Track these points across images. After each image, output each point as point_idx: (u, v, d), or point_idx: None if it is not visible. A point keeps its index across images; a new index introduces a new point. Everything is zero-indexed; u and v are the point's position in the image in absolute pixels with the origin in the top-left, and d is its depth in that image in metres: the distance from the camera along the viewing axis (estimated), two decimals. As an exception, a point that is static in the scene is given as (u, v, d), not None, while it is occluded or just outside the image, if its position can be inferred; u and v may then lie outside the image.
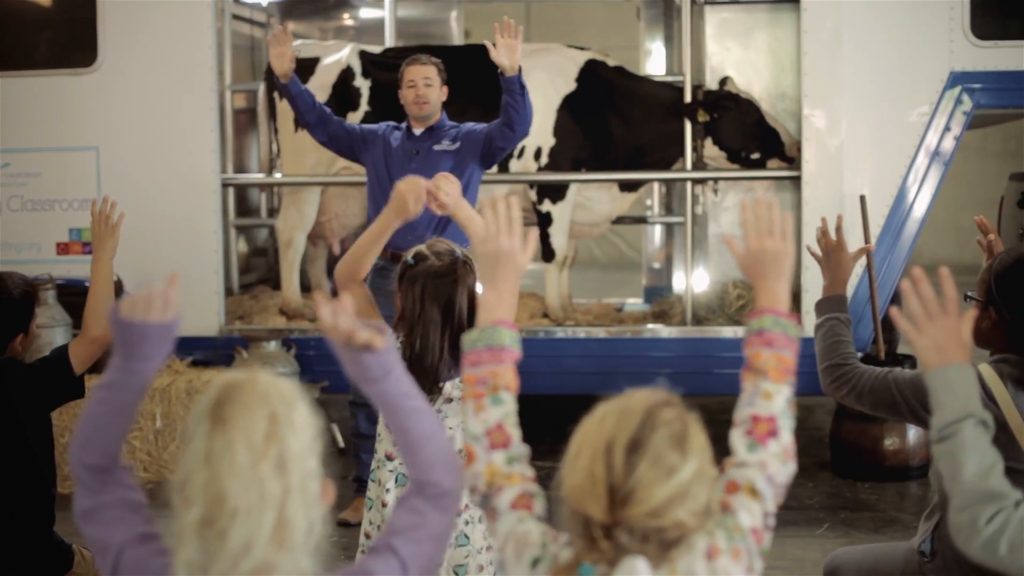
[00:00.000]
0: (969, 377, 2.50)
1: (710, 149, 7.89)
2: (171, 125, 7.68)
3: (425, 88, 6.27)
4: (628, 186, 8.17)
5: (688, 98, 7.77)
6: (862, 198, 7.06)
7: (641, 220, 10.26)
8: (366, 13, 10.56)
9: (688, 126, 7.78)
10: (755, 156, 7.81)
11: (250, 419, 1.97)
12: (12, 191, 7.78)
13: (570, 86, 7.97)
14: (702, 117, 7.66)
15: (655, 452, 2.04)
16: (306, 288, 8.82)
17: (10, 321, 4.00)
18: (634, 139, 7.97)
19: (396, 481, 3.64)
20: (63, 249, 7.72)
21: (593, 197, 8.09)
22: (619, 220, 8.89)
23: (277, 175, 8.48)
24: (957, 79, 7.19)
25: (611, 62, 8.12)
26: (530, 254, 2.44)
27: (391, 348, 2.18)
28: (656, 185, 9.94)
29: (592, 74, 8.02)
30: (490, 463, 2.25)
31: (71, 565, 4.00)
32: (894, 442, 7.03)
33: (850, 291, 7.11)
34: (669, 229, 9.95)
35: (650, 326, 7.97)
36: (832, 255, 3.75)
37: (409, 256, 3.57)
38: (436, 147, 6.30)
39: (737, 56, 8.16)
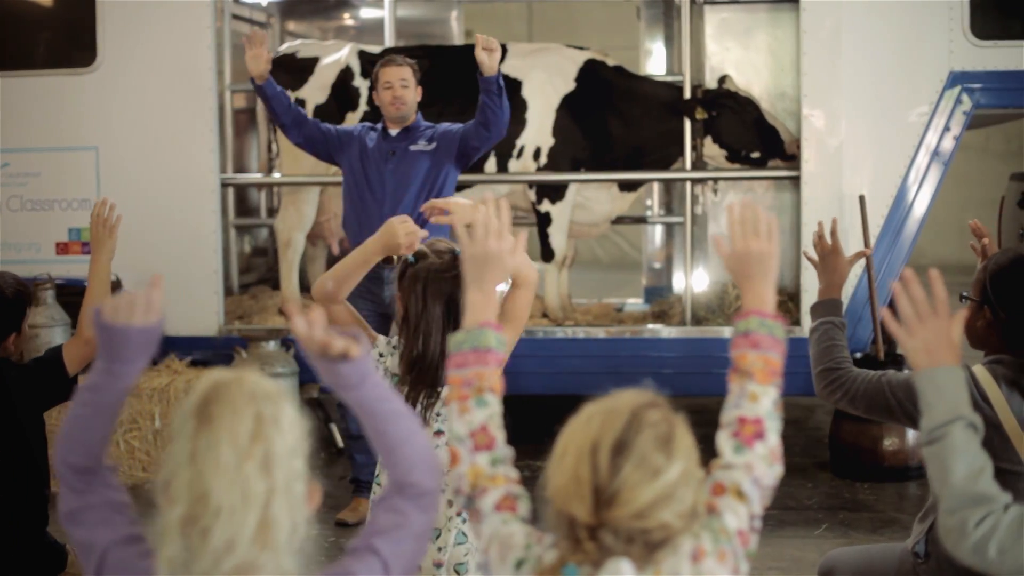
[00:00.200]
0: (959, 379, 2.49)
1: (710, 148, 7.88)
2: (170, 125, 7.68)
3: (401, 89, 6.29)
4: (627, 186, 8.17)
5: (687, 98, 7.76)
6: (861, 198, 7.05)
7: (641, 220, 10.26)
8: (366, 13, 10.56)
9: (688, 125, 7.77)
10: (755, 155, 7.81)
11: (236, 418, 1.97)
12: (11, 191, 7.79)
13: (569, 86, 7.97)
14: (700, 115, 7.65)
15: (640, 453, 2.04)
16: (305, 288, 8.82)
17: (2, 320, 4.00)
18: (634, 139, 7.96)
19: None
20: (62, 249, 7.72)
21: (592, 197, 8.09)
22: (619, 220, 8.89)
23: (276, 175, 8.48)
24: (957, 79, 7.18)
25: (610, 62, 8.11)
26: (518, 257, 2.43)
27: (367, 355, 2.17)
28: (656, 185, 9.93)
29: (591, 74, 8.01)
30: (474, 465, 2.25)
31: (65, 565, 4.00)
32: (893, 442, 7.02)
33: (850, 292, 7.14)
34: (669, 229, 9.94)
35: (650, 326, 7.96)
36: (827, 259, 3.75)
37: (410, 255, 3.56)
38: (412, 147, 6.32)
39: (737, 56, 8.15)
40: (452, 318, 3.51)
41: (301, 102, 8.19)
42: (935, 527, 3.42)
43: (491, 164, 7.93)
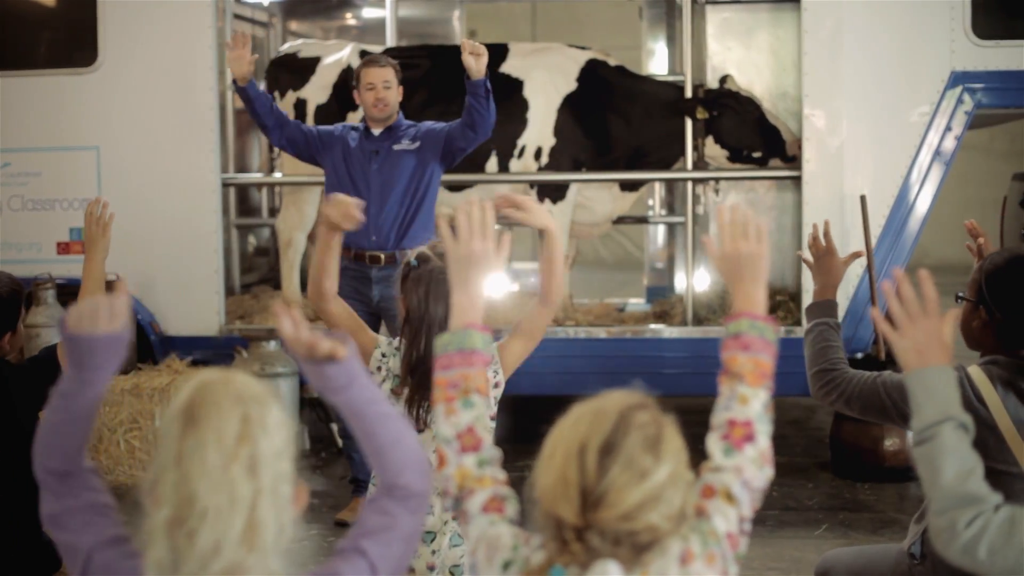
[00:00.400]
0: (949, 379, 2.48)
1: (711, 148, 7.87)
2: (171, 125, 7.69)
3: (384, 91, 6.31)
4: (629, 186, 8.16)
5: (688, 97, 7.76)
6: (863, 198, 7.04)
7: (642, 220, 10.26)
8: (368, 13, 10.56)
9: (689, 125, 7.76)
10: (756, 154, 7.80)
11: (222, 420, 1.96)
12: (13, 191, 7.79)
13: (571, 85, 7.96)
14: (701, 114, 7.65)
15: (628, 455, 2.03)
16: (306, 288, 8.82)
17: (-3, 319, 4.00)
18: (635, 139, 7.96)
19: None
20: (63, 249, 7.73)
21: (594, 197, 8.08)
22: (620, 220, 8.88)
23: (277, 175, 8.47)
24: (958, 79, 7.16)
25: (612, 61, 8.11)
26: (503, 258, 2.43)
27: (354, 356, 2.17)
28: (657, 185, 9.92)
29: (593, 73, 8.01)
30: (461, 466, 2.24)
31: (60, 565, 4.00)
32: (894, 443, 7.00)
33: (851, 292, 7.13)
34: (671, 229, 9.93)
35: (651, 326, 7.95)
36: (822, 260, 3.75)
37: (412, 257, 3.54)
38: (396, 147, 6.34)
39: (738, 56, 8.15)
40: None
41: (303, 102, 8.19)
42: (931, 528, 3.42)
43: (492, 164, 7.93)
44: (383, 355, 3.60)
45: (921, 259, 14.41)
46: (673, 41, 9.59)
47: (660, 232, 10.24)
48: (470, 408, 2.28)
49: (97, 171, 7.72)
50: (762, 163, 7.81)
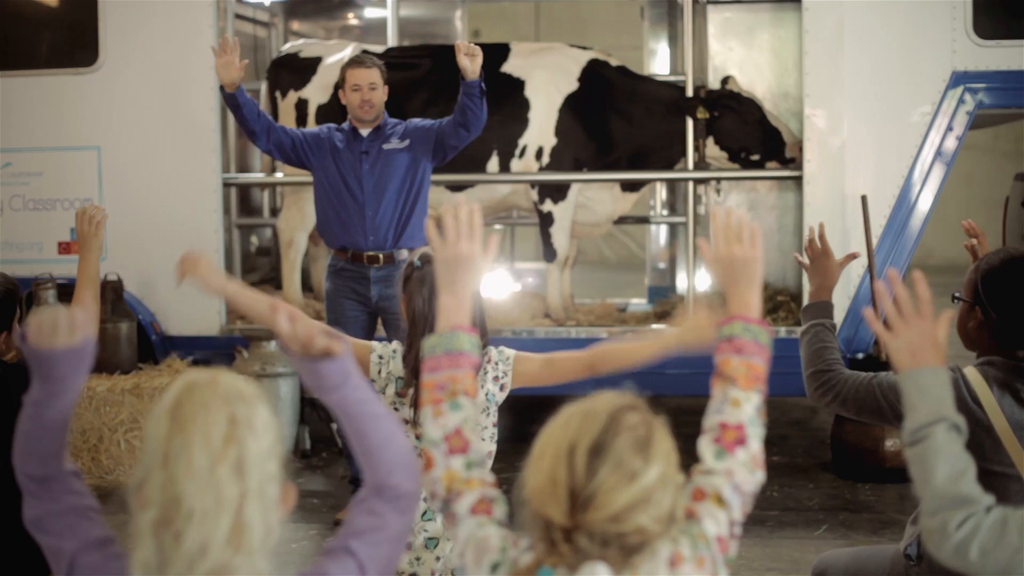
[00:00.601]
0: (942, 380, 2.48)
1: (712, 149, 7.87)
2: (172, 125, 7.69)
3: (370, 92, 6.31)
4: (630, 186, 8.16)
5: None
6: (864, 198, 7.03)
7: (643, 220, 10.25)
8: (371, 13, 10.56)
9: (690, 125, 7.75)
10: (756, 156, 7.79)
11: (209, 421, 1.96)
12: (14, 190, 7.80)
13: (572, 85, 7.96)
14: (701, 114, 7.64)
15: (617, 456, 2.02)
16: (308, 288, 8.83)
17: (-8, 319, 3.99)
18: (636, 139, 7.95)
19: None
20: (64, 248, 7.74)
21: (595, 197, 8.08)
22: (621, 220, 8.88)
23: (278, 175, 8.48)
24: (959, 79, 7.15)
25: (613, 61, 8.10)
26: (490, 259, 2.42)
27: (348, 354, 2.16)
28: (659, 185, 9.91)
29: (594, 74, 8.00)
30: (449, 468, 2.23)
31: (56, 567, 3.99)
32: (895, 443, 6.99)
33: (852, 292, 7.12)
34: (673, 229, 9.93)
35: (653, 327, 7.94)
36: (818, 262, 3.75)
37: (415, 258, 3.53)
38: (386, 146, 6.35)
39: (740, 56, 8.15)
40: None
41: (304, 102, 8.20)
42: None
43: (493, 163, 7.93)
44: (380, 357, 3.59)
45: (925, 259, 14.34)
46: (675, 41, 9.59)
47: (662, 232, 10.24)
48: (458, 410, 2.28)
49: (98, 171, 7.73)
50: (761, 165, 7.80)
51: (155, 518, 1.93)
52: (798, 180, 7.48)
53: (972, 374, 3.37)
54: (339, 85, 6.47)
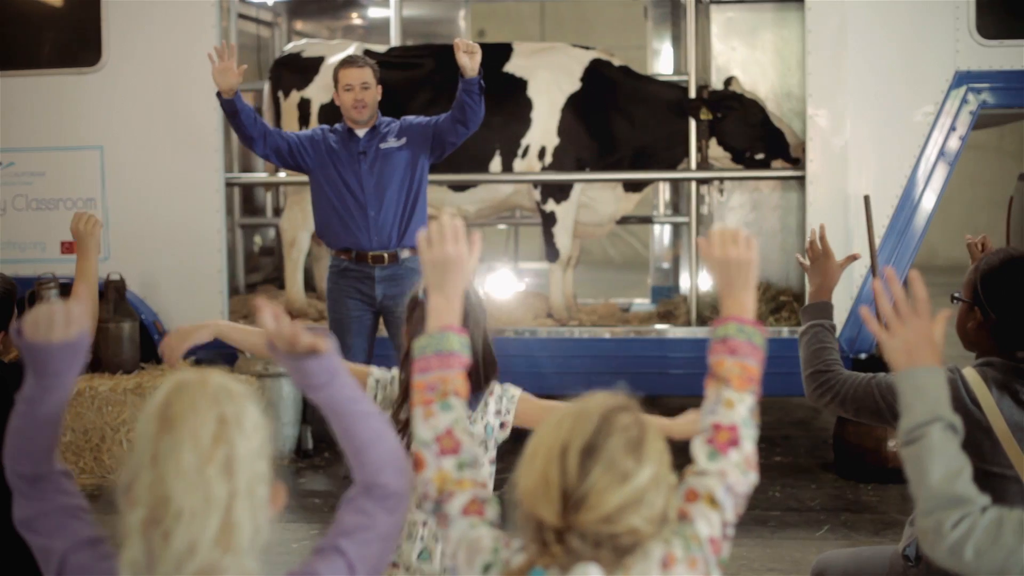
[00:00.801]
0: (939, 380, 2.47)
1: (715, 149, 7.86)
2: (175, 124, 7.69)
3: (362, 92, 6.31)
4: (633, 186, 8.15)
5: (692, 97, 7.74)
6: (866, 198, 7.02)
7: (646, 220, 10.25)
8: (374, 13, 10.56)
9: (693, 125, 7.74)
10: (760, 156, 7.78)
11: (198, 420, 1.95)
12: (17, 190, 7.81)
13: (575, 85, 7.95)
14: (705, 115, 7.63)
15: (609, 457, 2.02)
16: (311, 287, 8.83)
17: (-11, 319, 3.99)
18: (639, 139, 7.95)
19: None
20: (67, 248, 7.72)
21: (597, 197, 8.07)
22: (624, 220, 8.87)
23: (281, 175, 8.48)
24: (962, 79, 7.14)
25: (616, 61, 8.10)
26: (476, 259, 2.42)
27: (334, 352, 2.16)
28: (662, 185, 9.91)
29: (597, 73, 8.00)
30: (440, 469, 2.23)
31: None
32: (898, 444, 6.97)
33: (855, 293, 7.11)
34: (676, 229, 9.92)
35: (655, 326, 7.93)
36: (818, 262, 3.74)
37: (420, 291, 3.45)
38: (383, 145, 6.35)
39: (743, 56, 8.14)
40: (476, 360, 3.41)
41: (306, 101, 8.20)
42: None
43: (496, 163, 7.93)
44: (377, 381, 3.50)
45: (930, 259, 14.31)
46: (678, 41, 9.57)
47: (666, 232, 10.23)
48: (448, 411, 2.27)
49: (101, 171, 7.73)
50: (765, 166, 7.79)
51: (143, 518, 1.92)
52: (801, 180, 7.47)
53: (971, 375, 3.35)
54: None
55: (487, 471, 3.44)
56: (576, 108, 7.92)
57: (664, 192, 10.16)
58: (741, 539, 6.12)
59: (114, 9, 7.65)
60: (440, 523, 2.21)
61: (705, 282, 8.19)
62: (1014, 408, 3.30)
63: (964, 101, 7.14)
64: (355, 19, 10.89)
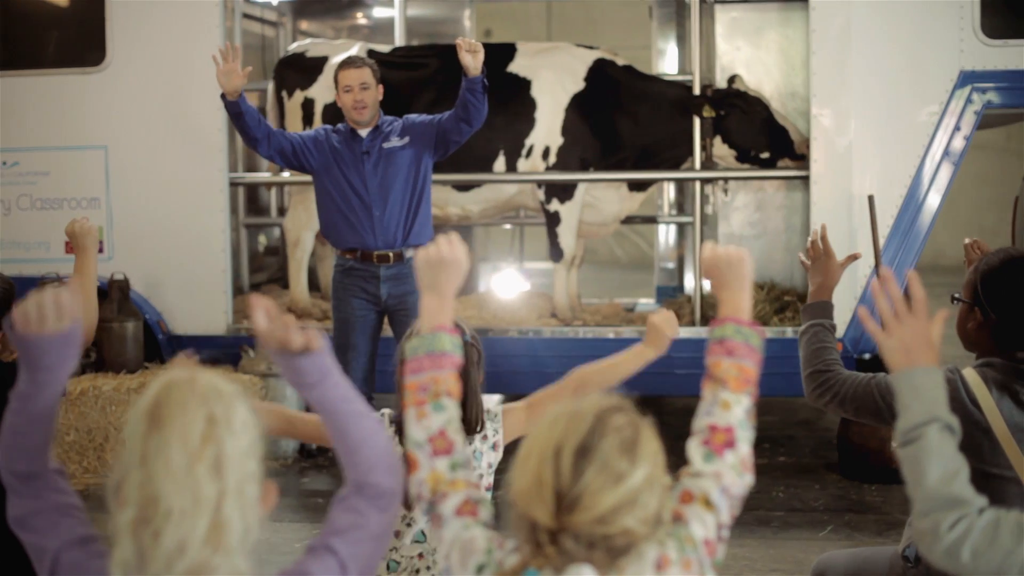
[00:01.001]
0: (936, 380, 2.45)
1: (719, 148, 7.85)
2: (179, 124, 7.70)
3: (362, 92, 6.30)
4: (637, 185, 8.14)
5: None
6: (871, 198, 6.97)
7: (650, 220, 10.23)
8: (379, 12, 10.56)
9: (697, 125, 7.73)
10: (764, 155, 7.77)
11: (187, 420, 1.95)
12: (21, 190, 7.83)
13: (579, 85, 7.95)
14: (708, 112, 7.62)
15: (603, 458, 2.01)
16: (315, 287, 8.83)
17: (-14, 319, 3.98)
18: (643, 138, 7.94)
19: None
20: (71, 248, 7.71)
21: (602, 197, 8.07)
22: (628, 220, 8.86)
23: (285, 174, 8.48)
24: (967, 78, 7.12)
25: (620, 61, 8.09)
26: (468, 261, 2.43)
27: (327, 351, 2.15)
28: (667, 185, 9.89)
29: (601, 73, 7.99)
30: (434, 470, 2.22)
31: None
32: (895, 444, 6.96)
33: (858, 293, 7.09)
34: (681, 229, 9.90)
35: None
36: (819, 262, 3.73)
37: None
38: (386, 145, 6.35)
39: (747, 55, 8.12)
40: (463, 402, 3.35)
41: (310, 101, 8.20)
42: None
43: (500, 163, 7.92)
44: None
45: (937, 259, 14.25)
46: (683, 41, 9.57)
47: (671, 232, 10.22)
48: (441, 411, 2.27)
49: (105, 170, 7.74)
50: (770, 164, 7.78)
51: (133, 517, 1.92)
52: (805, 180, 7.46)
53: (971, 376, 3.34)
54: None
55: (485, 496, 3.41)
56: (580, 108, 7.91)
57: (669, 192, 10.15)
58: (744, 539, 6.12)
59: (118, 9, 7.66)
60: (434, 524, 2.21)
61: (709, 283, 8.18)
62: (1014, 409, 3.29)
63: (969, 101, 7.12)
64: (360, 19, 10.89)
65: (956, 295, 3.49)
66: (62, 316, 2.12)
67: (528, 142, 7.90)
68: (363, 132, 6.39)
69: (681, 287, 9.68)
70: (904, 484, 2.49)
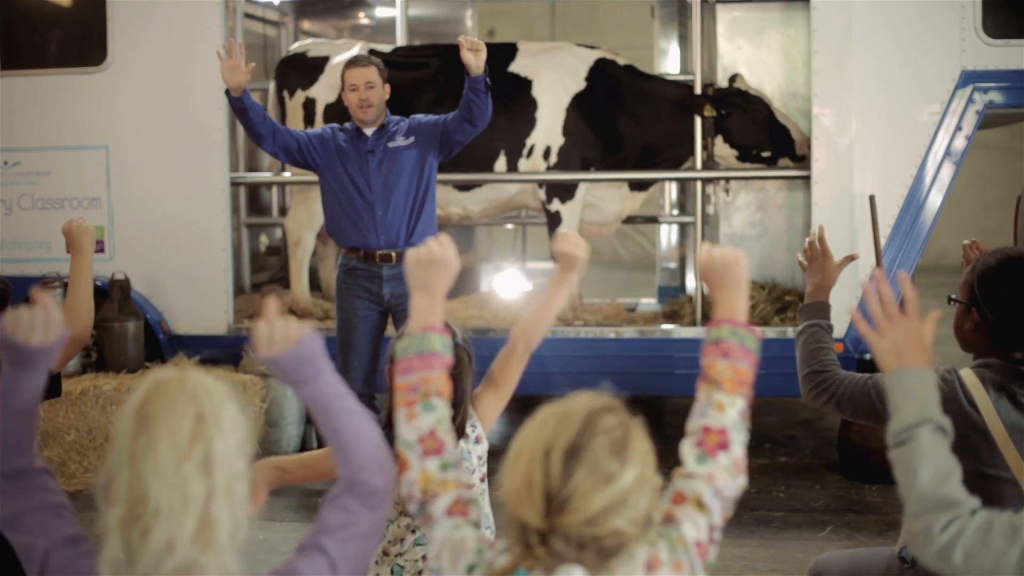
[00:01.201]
0: (928, 381, 2.45)
1: (720, 147, 7.84)
2: (180, 124, 7.71)
3: (367, 91, 6.29)
4: (638, 185, 8.13)
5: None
6: (872, 198, 6.99)
7: (652, 220, 10.23)
8: (381, 12, 10.57)
9: (698, 124, 7.73)
10: (765, 154, 7.76)
11: (175, 419, 1.96)
12: (22, 189, 7.84)
13: (580, 85, 7.94)
14: (708, 112, 7.61)
15: (593, 459, 2.01)
16: (316, 287, 8.83)
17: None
18: (644, 138, 7.93)
19: None
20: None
21: (603, 196, 8.06)
22: (629, 220, 8.85)
23: (286, 174, 8.48)
24: (968, 78, 7.11)
25: (621, 61, 8.09)
26: (458, 262, 2.43)
27: (321, 351, 2.16)
28: (668, 184, 9.89)
29: (602, 73, 7.99)
30: (424, 470, 2.22)
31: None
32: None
33: (860, 293, 7.07)
34: (683, 229, 9.89)
35: (660, 326, 7.91)
36: (816, 262, 3.72)
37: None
38: (391, 144, 6.34)
39: (749, 55, 8.12)
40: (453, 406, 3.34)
41: (311, 101, 8.20)
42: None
43: (501, 163, 7.92)
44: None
45: (940, 259, 14.23)
46: (685, 40, 9.57)
47: (673, 232, 10.21)
48: (431, 411, 2.27)
49: (106, 170, 7.75)
50: (771, 163, 7.77)
51: (122, 516, 1.93)
52: (806, 180, 7.45)
53: (968, 376, 3.33)
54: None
55: (479, 490, 3.40)
56: (581, 107, 7.91)
57: (671, 192, 10.15)
58: (744, 539, 6.11)
59: (120, 9, 7.67)
60: (424, 524, 2.21)
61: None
62: (1011, 410, 3.28)
63: (970, 100, 7.11)
64: (362, 19, 10.90)
65: (953, 296, 3.49)
66: (49, 331, 2.15)
67: (529, 142, 7.90)
68: (368, 131, 6.38)
69: (683, 287, 9.67)
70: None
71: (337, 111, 7.96)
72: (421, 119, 6.42)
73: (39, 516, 2.15)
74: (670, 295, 9.47)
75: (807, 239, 3.81)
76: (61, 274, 7.43)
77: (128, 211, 7.75)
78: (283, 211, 9.70)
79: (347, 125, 6.47)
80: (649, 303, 9.76)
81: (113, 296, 7.44)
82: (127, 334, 7.44)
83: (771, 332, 7.41)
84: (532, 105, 7.90)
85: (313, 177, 7.90)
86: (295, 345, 2.11)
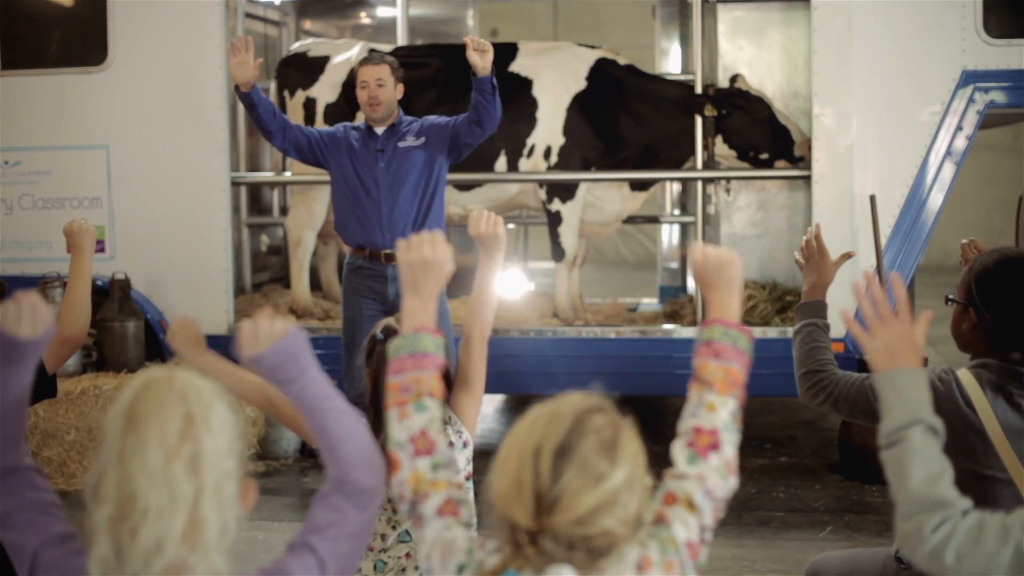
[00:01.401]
0: (919, 382, 2.44)
1: (721, 147, 7.83)
2: (181, 124, 7.71)
3: (377, 89, 6.28)
4: (639, 185, 8.13)
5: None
6: (872, 198, 6.98)
7: (652, 220, 10.23)
8: (382, 12, 10.57)
9: (699, 124, 7.72)
10: (765, 155, 7.76)
11: (164, 418, 1.96)
12: (23, 189, 7.84)
13: (580, 84, 7.94)
14: (709, 111, 7.61)
15: (583, 459, 2.00)
16: (316, 287, 8.83)
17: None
18: (645, 137, 7.93)
19: None
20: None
21: (603, 196, 8.06)
22: (630, 219, 8.85)
23: (287, 174, 8.48)
24: (969, 78, 7.10)
25: (622, 60, 8.08)
26: (450, 264, 2.43)
27: (306, 349, 2.15)
28: (670, 184, 9.88)
29: (602, 72, 7.98)
30: (415, 470, 2.22)
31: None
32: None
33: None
34: (685, 229, 9.89)
35: (661, 326, 7.91)
36: (813, 261, 3.72)
37: (378, 330, 3.34)
38: (401, 144, 6.33)
39: (750, 55, 8.11)
40: None
41: (312, 101, 8.20)
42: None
43: (501, 163, 7.92)
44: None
45: (943, 259, 14.21)
46: (686, 40, 9.56)
47: (674, 232, 10.21)
48: (423, 411, 2.26)
49: (107, 170, 7.75)
50: (769, 164, 7.77)
51: (111, 515, 1.93)
52: (807, 180, 7.44)
53: (965, 376, 3.33)
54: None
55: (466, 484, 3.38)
56: (582, 107, 7.91)
57: (672, 191, 10.14)
58: (743, 539, 6.11)
59: (120, 8, 7.67)
60: (415, 524, 2.21)
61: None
62: (1008, 410, 3.28)
63: (971, 100, 7.10)
64: (363, 18, 10.89)
65: (950, 296, 3.48)
66: (37, 324, 2.14)
67: (530, 142, 7.90)
68: (379, 130, 6.38)
69: (684, 287, 9.66)
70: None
71: (338, 111, 7.96)
72: (433, 120, 6.41)
73: (29, 514, 2.15)
74: (671, 295, 9.47)
75: (804, 238, 3.81)
76: (61, 274, 7.43)
77: (128, 211, 7.75)
78: (284, 211, 9.70)
79: (360, 124, 6.47)
80: (650, 303, 9.75)
81: (114, 296, 7.44)
82: (127, 334, 7.45)
83: (772, 332, 7.41)
84: (533, 105, 7.90)
85: (314, 176, 7.96)
86: (278, 342, 2.11)
